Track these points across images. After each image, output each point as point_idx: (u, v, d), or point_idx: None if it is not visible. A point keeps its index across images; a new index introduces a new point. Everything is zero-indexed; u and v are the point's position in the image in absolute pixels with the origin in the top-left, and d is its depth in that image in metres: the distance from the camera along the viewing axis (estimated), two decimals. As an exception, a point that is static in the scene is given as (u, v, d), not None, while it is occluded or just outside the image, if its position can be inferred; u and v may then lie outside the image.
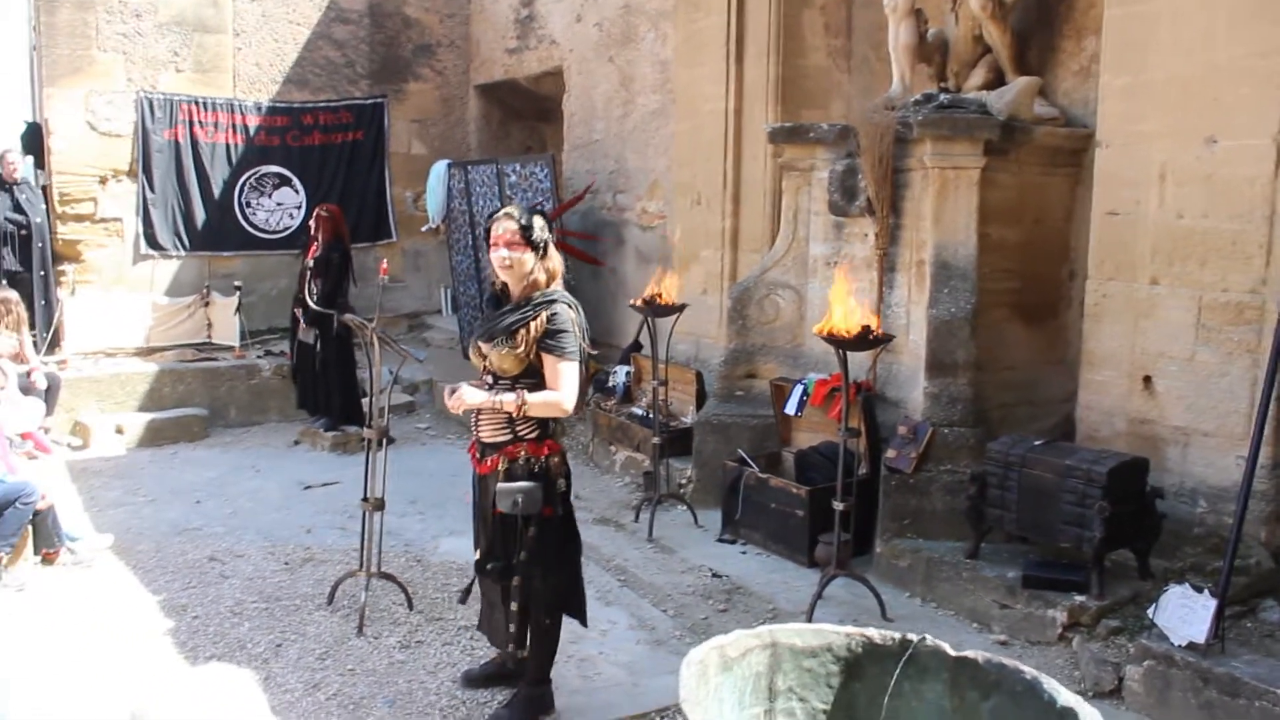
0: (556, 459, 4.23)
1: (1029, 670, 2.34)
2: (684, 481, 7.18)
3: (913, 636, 2.47)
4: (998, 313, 6.14)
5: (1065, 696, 2.21)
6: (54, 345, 9.92)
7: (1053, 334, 6.38)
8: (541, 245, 4.12)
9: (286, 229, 11.57)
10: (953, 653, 2.43)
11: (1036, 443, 5.31)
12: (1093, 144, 5.82)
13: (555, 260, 4.20)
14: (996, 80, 6.51)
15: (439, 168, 11.19)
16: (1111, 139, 5.57)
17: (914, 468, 5.81)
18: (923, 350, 6.00)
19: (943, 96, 6.27)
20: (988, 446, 5.49)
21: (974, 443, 5.80)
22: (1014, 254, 6.19)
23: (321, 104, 11.78)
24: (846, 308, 5.15)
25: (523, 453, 4.14)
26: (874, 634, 2.50)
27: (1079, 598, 4.91)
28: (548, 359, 4.07)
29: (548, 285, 4.15)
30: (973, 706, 2.39)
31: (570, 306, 4.14)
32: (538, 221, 4.13)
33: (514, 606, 4.24)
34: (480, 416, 4.21)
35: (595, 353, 4.53)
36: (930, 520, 5.80)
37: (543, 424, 4.18)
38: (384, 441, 5.42)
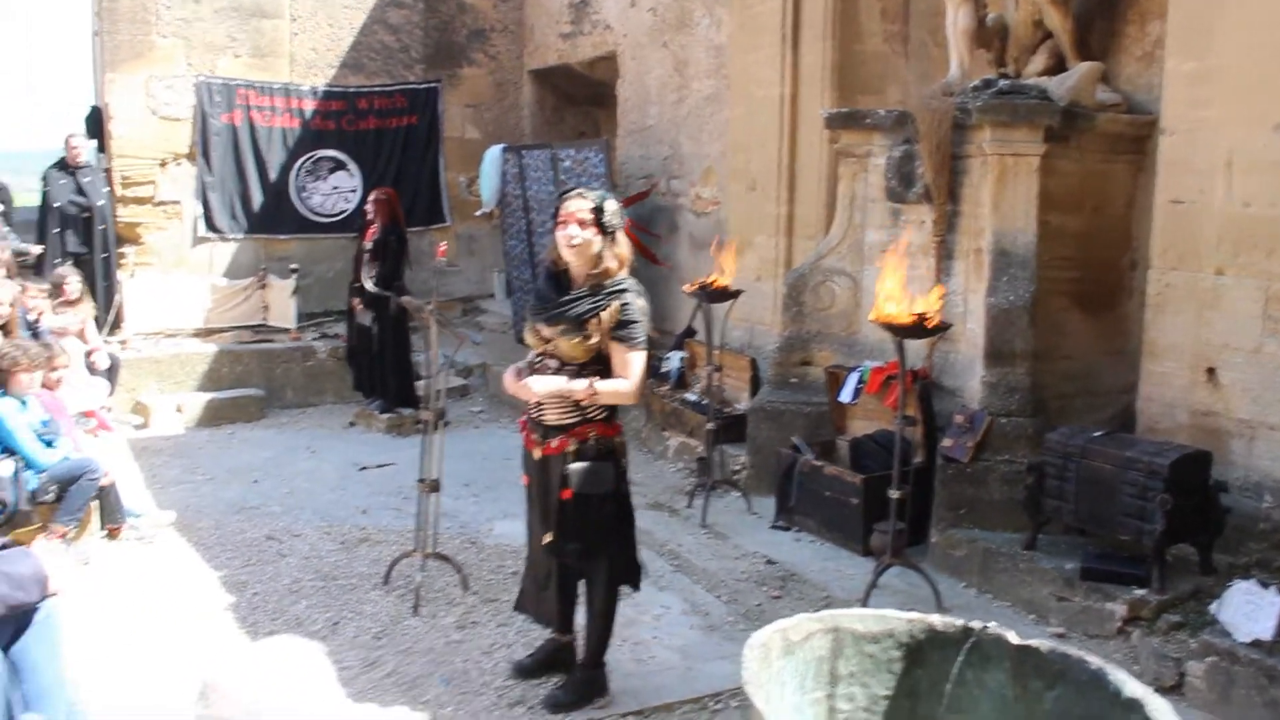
0: (620, 439, 4.26)
1: (1094, 660, 2.31)
2: (737, 468, 7.17)
3: (975, 624, 2.45)
4: (1057, 301, 6.07)
5: (1132, 687, 2.18)
6: (115, 326, 10.08)
7: (1112, 324, 6.29)
8: (612, 230, 4.08)
9: (342, 212, 11.66)
10: (1016, 641, 2.40)
11: (1096, 433, 5.24)
12: (1156, 131, 5.74)
13: (624, 247, 4.16)
14: (1057, 66, 6.42)
15: (493, 152, 11.22)
16: (1176, 125, 5.48)
17: (970, 457, 5.76)
18: (980, 339, 5.95)
19: (1002, 82, 6.19)
20: (1046, 437, 5.43)
21: (1032, 433, 5.73)
22: (1074, 242, 6.11)
23: (376, 88, 11.86)
24: (900, 293, 5.11)
25: (592, 434, 4.15)
26: (936, 620, 2.48)
27: (1139, 591, 4.85)
28: (618, 347, 4.06)
29: (617, 273, 4.11)
30: (1036, 696, 2.37)
31: (640, 295, 4.13)
32: (610, 205, 4.09)
33: (576, 587, 4.35)
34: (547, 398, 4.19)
35: (655, 335, 4.53)
36: (987, 510, 5.75)
37: (609, 405, 4.19)
38: (440, 423, 5.46)
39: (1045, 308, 5.94)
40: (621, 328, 4.04)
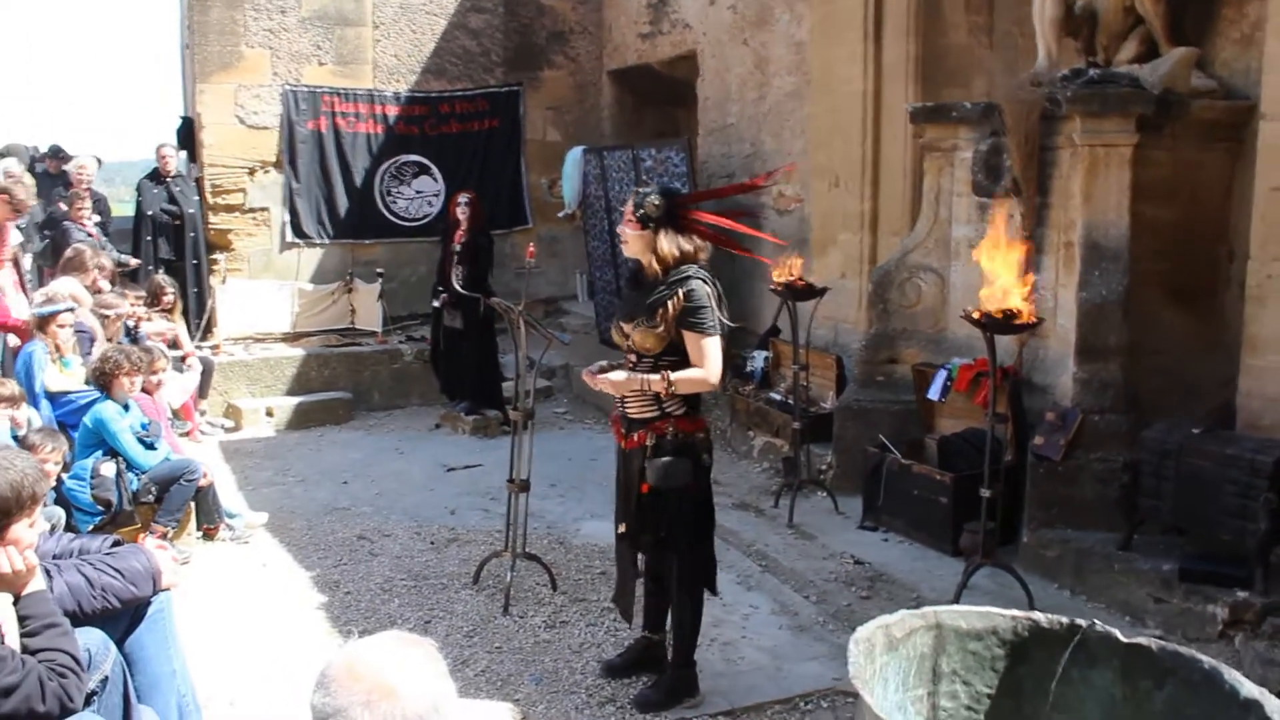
0: (702, 434, 4.26)
1: (1206, 659, 2.26)
2: (824, 467, 7.12)
3: (1081, 622, 2.40)
4: (1150, 295, 5.92)
5: (1248, 688, 2.13)
6: (207, 331, 10.31)
7: (1209, 317, 6.12)
8: (653, 222, 4.11)
9: (425, 216, 11.80)
10: (1124, 639, 2.36)
11: (1195, 430, 5.11)
12: (1256, 116, 5.56)
13: (682, 239, 4.15)
14: (1149, 53, 6.26)
15: (574, 154, 11.28)
16: (1277, 110, 5.31)
17: (1063, 455, 5.66)
18: (1072, 334, 5.83)
19: (1092, 71, 6.07)
20: (1142, 434, 5.31)
21: (1125, 430, 5.61)
22: (1168, 234, 5.96)
23: (458, 93, 11.98)
24: (1001, 284, 5.03)
25: (670, 428, 4.18)
26: (1040, 618, 2.44)
27: (1241, 594, 4.71)
28: (689, 336, 4.08)
29: (680, 263, 4.13)
30: (1145, 695, 2.32)
31: (705, 281, 4.13)
32: (650, 199, 4.12)
33: (647, 584, 4.39)
34: (626, 393, 4.25)
35: (734, 325, 4.50)
36: (1079, 510, 5.64)
37: (690, 400, 4.21)
38: (529, 423, 5.50)
39: (1138, 301, 5.80)
40: (689, 315, 4.06)
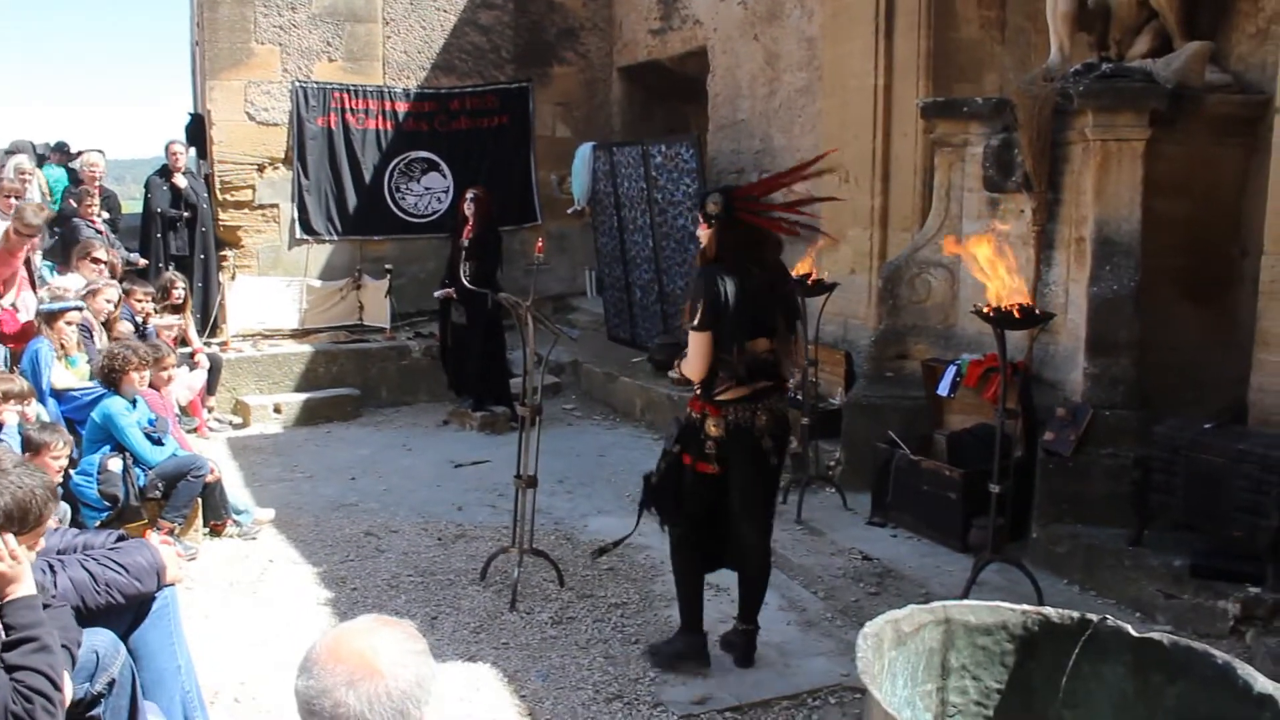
0: (699, 416, 4.41)
1: (1220, 655, 2.23)
2: (832, 463, 7.09)
3: (1092, 616, 2.38)
4: (1162, 290, 5.89)
5: (1262, 683, 2.09)
6: (215, 328, 10.31)
7: (1221, 313, 6.08)
8: (715, 220, 4.34)
9: (435, 213, 11.78)
10: (1135, 634, 2.33)
11: (1206, 426, 5.08)
12: (1271, 111, 5.51)
13: (705, 236, 4.40)
14: (1162, 47, 6.22)
15: (584, 150, 11.25)
16: (1292, 105, 5.27)
17: (1073, 451, 5.63)
18: (1082, 330, 5.81)
19: (1105, 66, 6.04)
20: (1153, 430, 5.28)
21: (1136, 426, 5.58)
22: (1180, 229, 5.92)
23: (468, 89, 11.96)
24: (1002, 280, 5.00)
25: (689, 407, 4.51)
26: (1051, 613, 2.41)
27: (1253, 590, 4.67)
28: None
29: (701, 262, 4.45)
30: (1157, 690, 2.29)
31: (705, 278, 4.29)
32: (710, 199, 4.39)
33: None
34: None
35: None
36: (1090, 505, 5.61)
37: (704, 384, 4.37)
38: (537, 419, 5.48)
39: (1150, 297, 5.77)
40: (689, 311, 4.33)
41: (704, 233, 4.37)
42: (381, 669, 1.79)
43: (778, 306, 4.42)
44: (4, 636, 2.73)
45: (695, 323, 4.22)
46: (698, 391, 4.38)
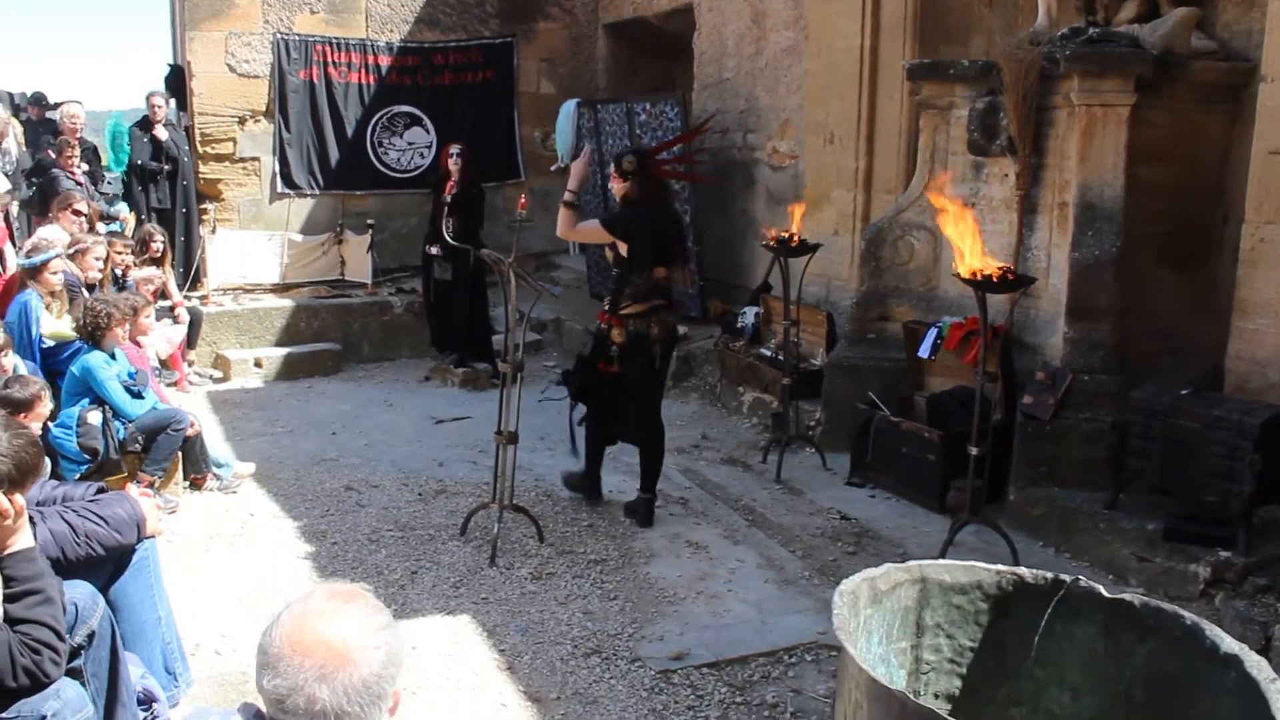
0: (607, 326, 5.66)
1: (1188, 615, 2.27)
2: (812, 424, 7.12)
3: (1065, 577, 2.41)
4: (1144, 257, 5.92)
5: (1228, 643, 2.13)
6: (196, 281, 10.24)
7: (1202, 280, 6.12)
8: (630, 175, 5.67)
9: (417, 168, 11.70)
10: (1107, 595, 2.36)
11: (1183, 392, 5.12)
12: (1255, 79, 5.52)
13: (620, 188, 5.76)
14: (1149, 13, 6.21)
15: (568, 107, 11.17)
16: (1278, 72, 5.27)
17: (1051, 414, 5.67)
18: (1063, 294, 5.83)
19: (1091, 30, 6.02)
20: (1130, 395, 5.32)
21: (1115, 390, 5.62)
22: (1163, 195, 5.94)
23: (452, 44, 11.84)
24: (975, 245, 5.01)
25: (598, 319, 5.84)
26: (1025, 573, 2.44)
27: (1224, 554, 4.74)
28: None
29: (626, 204, 5.76)
30: (1127, 650, 2.33)
31: (625, 214, 5.77)
32: (626, 159, 5.74)
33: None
34: None
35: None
36: (1066, 469, 5.66)
37: (611, 302, 5.65)
38: (518, 376, 5.49)
39: (1131, 263, 5.80)
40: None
41: (617, 185, 5.70)
42: (352, 655, 1.70)
43: (675, 242, 5.77)
44: (8, 589, 2.73)
45: (611, 225, 5.69)
46: (606, 308, 5.65)
